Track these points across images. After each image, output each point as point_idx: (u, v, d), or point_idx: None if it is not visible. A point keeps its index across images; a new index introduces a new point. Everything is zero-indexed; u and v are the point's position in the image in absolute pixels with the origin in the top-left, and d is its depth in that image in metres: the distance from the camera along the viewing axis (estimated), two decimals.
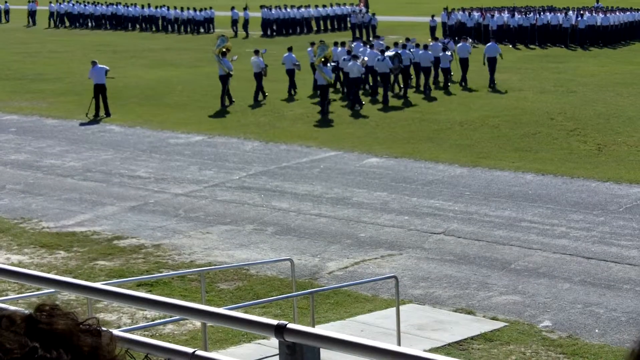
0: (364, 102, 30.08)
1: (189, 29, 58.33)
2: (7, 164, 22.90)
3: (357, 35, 50.01)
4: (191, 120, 28.27)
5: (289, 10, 56.27)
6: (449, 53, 33.46)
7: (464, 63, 33.66)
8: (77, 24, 63.78)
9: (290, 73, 32.39)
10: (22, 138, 26.10)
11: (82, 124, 28.13)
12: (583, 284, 14.41)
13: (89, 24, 63.41)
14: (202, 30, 58.01)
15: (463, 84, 33.54)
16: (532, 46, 46.76)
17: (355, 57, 30.60)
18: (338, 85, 32.86)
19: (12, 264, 14.64)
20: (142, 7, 62.16)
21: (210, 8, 59.25)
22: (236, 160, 23.01)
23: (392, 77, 31.90)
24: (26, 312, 1.41)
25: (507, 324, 12.96)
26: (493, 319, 13.18)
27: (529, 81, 34.61)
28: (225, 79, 30.63)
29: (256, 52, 32.09)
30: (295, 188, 20.24)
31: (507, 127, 26.19)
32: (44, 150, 24.52)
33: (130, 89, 34.17)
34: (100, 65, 29.16)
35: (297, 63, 32.38)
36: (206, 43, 50.64)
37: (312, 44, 34.28)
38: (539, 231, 16.93)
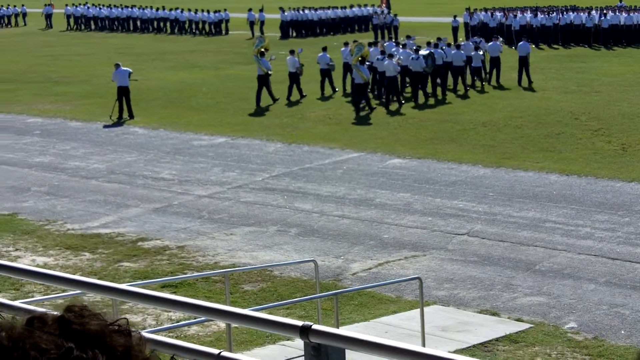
0: (390, 103, 30.11)
1: (203, 31, 58.55)
2: (32, 166, 23.04)
3: (380, 36, 49.96)
4: (214, 122, 28.35)
5: (306, 12, 56.22)
6: (481, 52, 33.60)
7: (495, 62, 33.85)
8: (93, 27, 64.24)
9: (325, 72, 32.60)
10: (47, 140, 26.27)
11: (105, 127, 28.27)
12: (608, 285, 14.31)
13: (104, 27, 63.81)
14: (214, 32, 58.21)
15: (496, 82, 33.69)
16: (555, 46, 46.54)
17: (391, 56, 30.77)
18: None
19: (38, 266, 14.73)
20: (157, 9, 62.43)
21: (225, 10, 59.46)
22: (259, 161, 23.04)
23: (425, 76, 31.97)
24: (55, 313, 1.42)
25: (532, 325, 12.90)
26: (518, 320, 13.12)
27: (552, 81, 34.45)
28: (264, 78, 30.91)
29: (291, 52, 32.37)
30: (318, 189, 20.24)
31: (531, 128, 26.08)
32: (69, 152, 24.66)
33: (153, 91, 34.31)
34: (123, 68, 29.29)
35: (331, 63, 32.60)
36: (227, 45, 50.80)
37: (346, 44, 34.51)
38: (563, 232, 16.84)
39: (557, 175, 20.88)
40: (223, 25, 58.76)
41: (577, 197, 19.03)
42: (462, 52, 32.91)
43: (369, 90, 30.51)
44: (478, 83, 33.42)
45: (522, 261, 15.44)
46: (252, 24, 56.31)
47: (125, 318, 1.45)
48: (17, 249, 16.56)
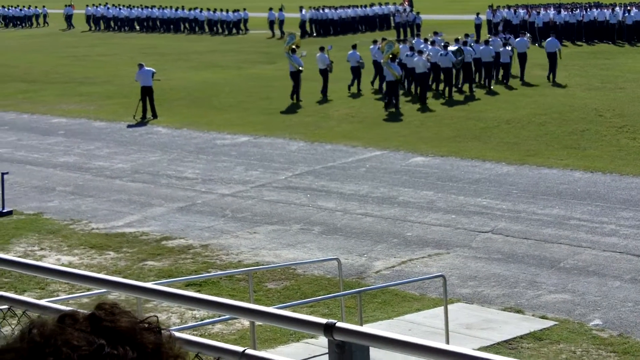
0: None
1: (223, 31, 58.66)
2: (57, 166, 23.19)
3: (402, 34, 49.85)
4: (237, 121, 28.41)
5: (326, 10, 56.15)
6: (509, 48, 33.75)
7: (523, 58, 33.99)
8: (113, 27, 64.55)
9: (355, 70, 32.82)
10: (71, 140, 26.42)
11: (129, 126, 28.40)
12: (633, 282, 14.23)
13: (124, 27, 64.09)
14: (234, 31, 58.30)
15: (520, 79, 33.78)
16: (578, 43, 46.27)
17: (421, 53, 31.08)
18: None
19: (63, 265, 14.83)
20: (176, 9, 62.62)
21: (244, 10, 59.55)
22: (282, 160, 23.07)
23: (454, 72, 32.21)
24: (86, 311, 1.44)
25: (556, 322, 12.84)
26: (542, 317, 13.07)
27: (576, 78, 34.26)
28: (296, 75, 31.31)
29: (321, 49, 32.73)
30: (341, 188, 20.24)
31: (555, 125, 25.95)
32: (93, 152, 24.80)
33: (176, 91, 34.43)
34: (147, 68, 29.41)
35: (361, 61, 32.84)
36: (249, 45, 50.89)
37: (375, 41, 34.93)
38: (588, 229, 16.75)
39: (582, 172, 20.77)
40: (242, 25, 58.83)
41: (601, 194, 18.92)
42: (491, 47, 33.20)
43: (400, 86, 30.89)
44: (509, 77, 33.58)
45: (547, 258, 15.37)
46: (272, 23, 56.32)
47: (155, 316, 1.46)
48: (42, 249, 16.68)
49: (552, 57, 33.70)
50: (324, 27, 55.71)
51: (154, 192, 20.49)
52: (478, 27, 48.52)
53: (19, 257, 14.72)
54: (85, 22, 65.74)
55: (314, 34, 55.01)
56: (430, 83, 31.93)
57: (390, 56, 29.98)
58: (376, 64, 33.04)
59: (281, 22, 55.68)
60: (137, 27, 63.57)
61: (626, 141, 23.69)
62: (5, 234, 17.62)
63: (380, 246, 16.34)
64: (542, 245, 16.01)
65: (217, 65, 42.11)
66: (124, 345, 1.37)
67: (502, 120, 26.80)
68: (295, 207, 18.96)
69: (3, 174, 19.19)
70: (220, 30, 59.02)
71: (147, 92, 29.15)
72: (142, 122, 28.81)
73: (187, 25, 61.25)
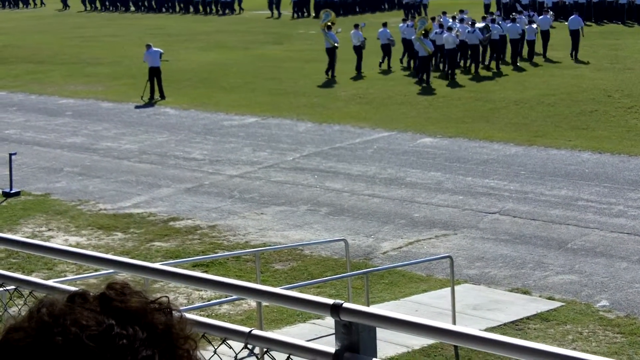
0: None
1: (215, 10, 58.18)
2: (65, 147, 23.22)
3: (410, 15, 49.58)
4: (244, 102, 28.38)
5: None
6: (534, 26, 34.30)
7: (546, 35, 34.71)
8: (107, 7, 64.27)
9: (385, 48, 33.60)
10: (79, 121, 26.44)
11: (137, 107, 28.40)
12: None
13: (119, 7, 63.79)
14: (227, 11, 57.86)
15: (543, 57, 34.38)
16: (588, 23, 46.00)
17: (450, 29, 31.89)
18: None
19: (71, 246, 14.87)
20: None
21: None
22: (289, 141, 23.06)
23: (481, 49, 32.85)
24: (97, 291, 1.43)
25: (563, 303, 12.84)
26: (549, 298, 13.07)
27: (585, 58, 34.12)
28: (331, 51, 32.06)
29: (355, 26, 33.59)
30: (349, 169, 20.24)
31: (563, 105, 25.88)
32: (100, 133, 24.82)
33: (184, 72, 34.39)
34: (154, 49, 29.38)
35: (391, 38, 33.51)
36: (256, 25, 50.76)
37: (404, 19, 36.03)
38: (596, 210, 16.73)
39: (590, 153, 20.72)
40: (236, 5, 58.30)
41: (609, 175, 18.88)
42: (518, 25, 33.74)
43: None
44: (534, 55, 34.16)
45: (554, 239, 15.36)
46: (270, 3, 55.92)
47: (166, 296, 1.44)
48: (50, 229, 16.73)
49: (575, 35, 34.43)
50: (332, 8, 55.28)
51: (161, 173, 20.51)
52: (487, 6, 48.25)
53: (27, 237, 14.76)
54: (80, 2, 65.45)
55: (314, 15, 54.62)
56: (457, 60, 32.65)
57: (423, 32, 30.79)
58: (405, 42, 33.77)
59: (278, 2, 55.26)
60: (132, 8, 63.27)
61: (635, 122, 23.61)
62: (14, 214, 17.67)
63: (388, 227, 16.34)
64: (550, 226, 15.99)
65: (225, 46, 42.03)
66: (133, 325, 1.36)
67: (510, 101, 26.73)
68: (303, 188, 18.96)
69: (11, 154, 19.23)
70: (214, 11, 58.53)
71: (154, 73, 29.13)
72: (150, 103, 28.81)
73: (181, 5, 60.77)
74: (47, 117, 27.23)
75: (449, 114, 25.43)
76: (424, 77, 30.31)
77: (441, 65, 32.50)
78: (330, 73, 31.96)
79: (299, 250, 15.24)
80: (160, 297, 1.44)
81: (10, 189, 18.99)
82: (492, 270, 14.20)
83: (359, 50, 32.63)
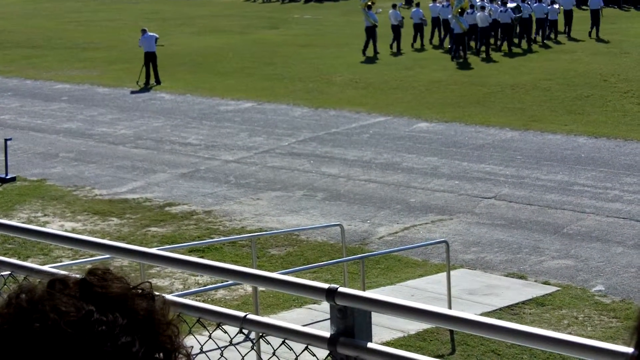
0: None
1: None
2: (60, 132, 23.17)
3: None
4: (240, 87, 28.33)
5: None
6: (557, 6, 35.38)
7: (569, 15, 35.83)
8: None
9: (417, 27, 34.52)
10: (74, 106, 26.38)
11: (132, 92, 28.33)
12: (636, 248, 14.24)
13: None
14: None
15: (567, 36, 35.30)
16: (584, 7, 45.94)
17: (483, 9, 33.03)
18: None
19: (66, 231, 14.86)
20: None
21: None
22: (285, 126, 23.03)
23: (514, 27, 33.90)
24: (78, 276, 1.40)
25: (559, 288, 12.87)
26: (545, 283, 13.10)
27: (581, 42, 34.09)
28: (371, 30, 32.81)
29: (394, 6, 34.56)
30: (345, 154, 20.23)
31: (559, 90, 25.86)
32: (96, 118, 24.77)
33: (180, 56, 34.30)
34: (150, 33, 29.29)
35: (423, 18, 34.43)
36: (252, 9, 50.61)
37: (435, 0, 36.55)
38: (591, 195, 16.74)
39: (586, 137, 20.73)
40: None
41: (605, 160, 18.89)
42: (544, 4, 34.68)
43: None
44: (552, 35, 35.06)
45: (550, 224, 15.38)
46: None
47: (148, 282, 1.42)
48: (45, 215, 16.72)
49: (595, 14, 35.46)
50: None
51: (157, 158, 20.48)
52: None
53: (23, 223, 14.75)
54: None
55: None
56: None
57: (459, 10, 31.87)
58: (435, 21, 34.81)
59: None
60: None
61: (631, 106, 23.61)
62: (9, 200, 17.66)
63: (384, 212, 16.35)
64: (546, 211, 16.01)
65: (221, 31, 41.91)
66: (113, 311, 1.34)
67: (506, 86, 26.71)
68: (299, 173, 18.95)
69: (6, 140, 19.19)
70: None
71: (150, 58, 29.04)
72: (146, 88, 28.74)
73: None
74: (42, 102, 27.17)
75: (444, 99, 25.41)
76: (461, 52, 31.37)
77: (472, 44, 33.20)
78: (372, 51, 32.40)
79: (295, 236, 15.24)
80: (143, 282, 1.41)
81: (6, 175, 18.96)
82: (487, 255, 14.22)
83: (397, 29, 33.47)
